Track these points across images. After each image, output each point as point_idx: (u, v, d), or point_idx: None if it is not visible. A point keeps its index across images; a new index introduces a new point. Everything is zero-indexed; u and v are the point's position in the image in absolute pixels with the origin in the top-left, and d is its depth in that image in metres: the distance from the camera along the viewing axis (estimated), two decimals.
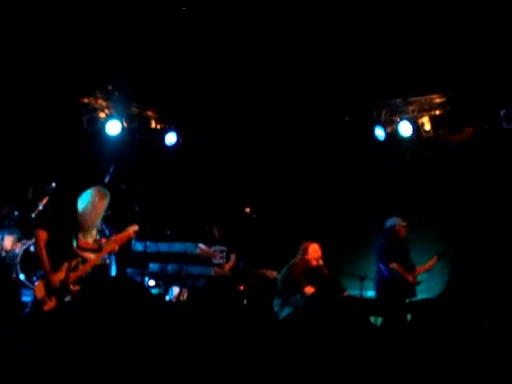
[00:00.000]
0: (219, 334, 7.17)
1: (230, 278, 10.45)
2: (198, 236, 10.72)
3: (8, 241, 10.33)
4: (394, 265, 9.90)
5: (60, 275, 7.50)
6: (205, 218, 11.67)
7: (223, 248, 10.92)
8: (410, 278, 10.00)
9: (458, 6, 8.80)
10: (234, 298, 10.09)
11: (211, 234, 11.31)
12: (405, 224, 10.14)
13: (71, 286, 7.46)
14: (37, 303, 7.34)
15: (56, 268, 7.49)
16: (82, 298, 7.35)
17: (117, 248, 8.19)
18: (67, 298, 7.41)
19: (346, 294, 9.60)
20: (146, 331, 6.43)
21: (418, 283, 10.09)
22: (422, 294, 10.19)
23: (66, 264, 7.62)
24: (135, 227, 8.25)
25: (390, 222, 10.21)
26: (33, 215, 10.50)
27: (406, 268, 10.00)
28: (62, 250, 7.70)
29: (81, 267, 7.74)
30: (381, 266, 9.98)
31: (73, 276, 7.55)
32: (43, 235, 7.52)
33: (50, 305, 7.33)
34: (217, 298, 10.33)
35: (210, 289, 10.25)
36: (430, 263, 10.21)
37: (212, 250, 10.73)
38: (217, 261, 10.63)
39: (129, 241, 8.73)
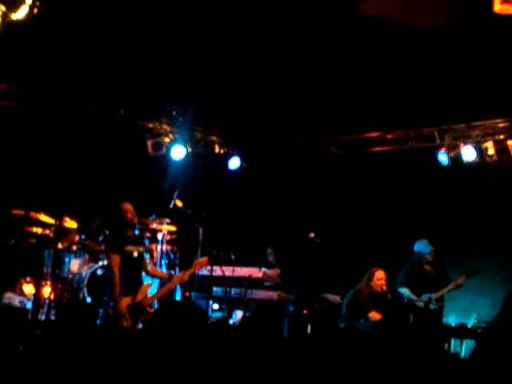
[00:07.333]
0: (283, 359, 7.16)
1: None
2: (254, 260, 10.80)
3: (75, 264, 10.46)
4: (401, 289, 10.13)
5: (140, 296, 7.66)
6: (265, 243, 11.74)
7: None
8: (421, 303, 9.95)
9: None
10: (298, 323, 10.14)
11: (266, 258, 11.38)
12: (430, 248, 10.23)
13: (148, 309, 7.64)
14: (113, 319, 7.50)
15: (130, 290, 7.65)
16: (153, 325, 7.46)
17: (186, 279, 8.38)
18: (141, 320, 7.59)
19: (410, 320, 9.61)
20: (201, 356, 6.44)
21: (430, 306, 9.96)
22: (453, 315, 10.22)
23: (145, 285, 7.80)
24: (205, 260, 8.46)
25: (416, 246, 10.41)
26: (100, 239, 10.69)
27: (420, 292, 10.03)
28: (136, 273, 7.88)
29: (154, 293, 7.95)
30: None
31: (147, 300, 7.71)
32: (116, 259, 7.68)
33: (127, 323, 7.49)
34: (278, 322, 10.38)
35: (271, 313, 10.32)
36: (457, 282, 10.09)
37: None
38: (267, 283, 10.68)
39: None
